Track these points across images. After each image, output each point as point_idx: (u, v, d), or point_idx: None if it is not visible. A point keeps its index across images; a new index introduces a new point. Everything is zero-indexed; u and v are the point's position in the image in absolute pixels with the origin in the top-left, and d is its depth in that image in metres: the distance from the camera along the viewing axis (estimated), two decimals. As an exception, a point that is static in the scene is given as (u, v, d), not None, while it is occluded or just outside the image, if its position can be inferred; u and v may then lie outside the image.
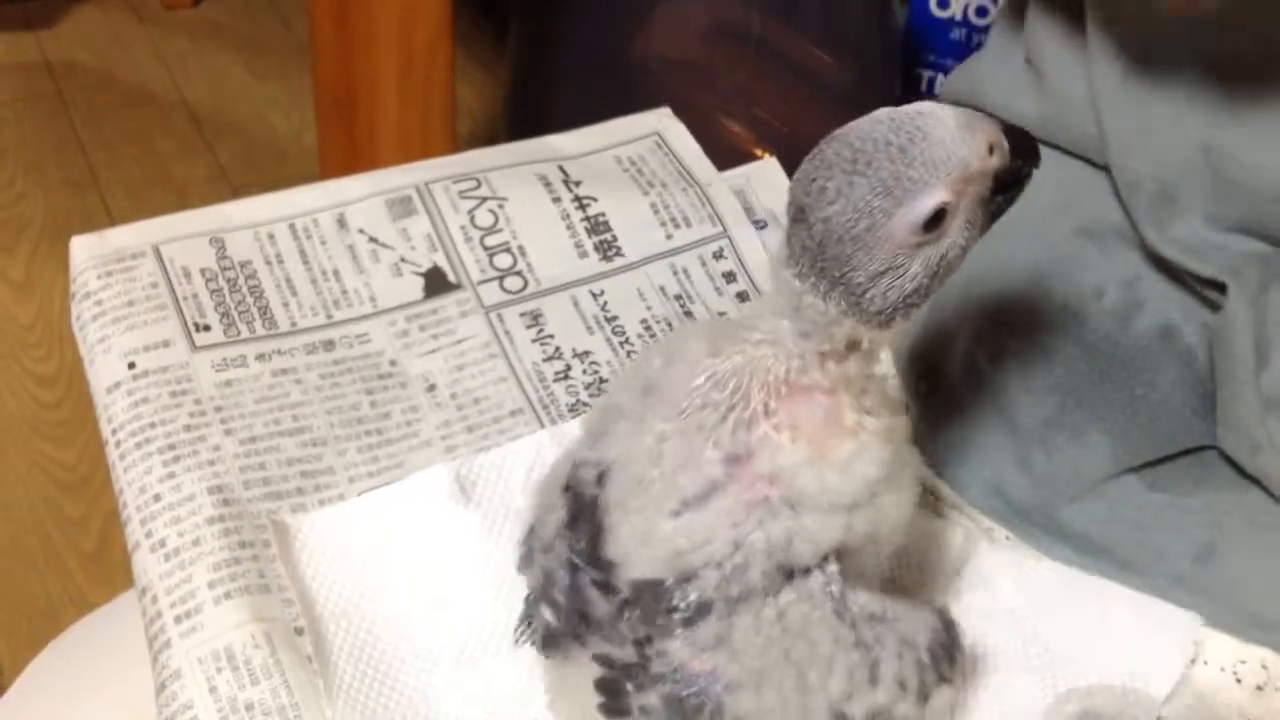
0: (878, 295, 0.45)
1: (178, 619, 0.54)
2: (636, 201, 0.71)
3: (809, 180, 0.44)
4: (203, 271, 0.65)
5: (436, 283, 0.67)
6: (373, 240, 0.68)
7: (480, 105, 1.86)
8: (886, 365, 0.66)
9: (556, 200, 0.71)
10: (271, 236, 0.67)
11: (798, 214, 0.45)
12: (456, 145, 1.29)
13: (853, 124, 0.44)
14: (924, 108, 0.44)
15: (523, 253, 0.69)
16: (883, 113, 0.44)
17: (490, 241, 0.69)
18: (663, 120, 0.77)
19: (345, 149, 1.30)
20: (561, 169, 0.72)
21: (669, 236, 0.71)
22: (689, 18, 1.36)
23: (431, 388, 0.64)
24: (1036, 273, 0.61)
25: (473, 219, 0.69)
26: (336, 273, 0.67)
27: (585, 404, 0.64)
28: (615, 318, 0.67)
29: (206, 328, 0.63)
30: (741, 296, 0.69)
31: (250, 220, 0.68)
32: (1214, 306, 0.56)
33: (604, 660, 0.48)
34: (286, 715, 0.52)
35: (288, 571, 0.56)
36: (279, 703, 0.52)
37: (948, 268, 0.46)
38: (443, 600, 0.56)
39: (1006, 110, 0.63)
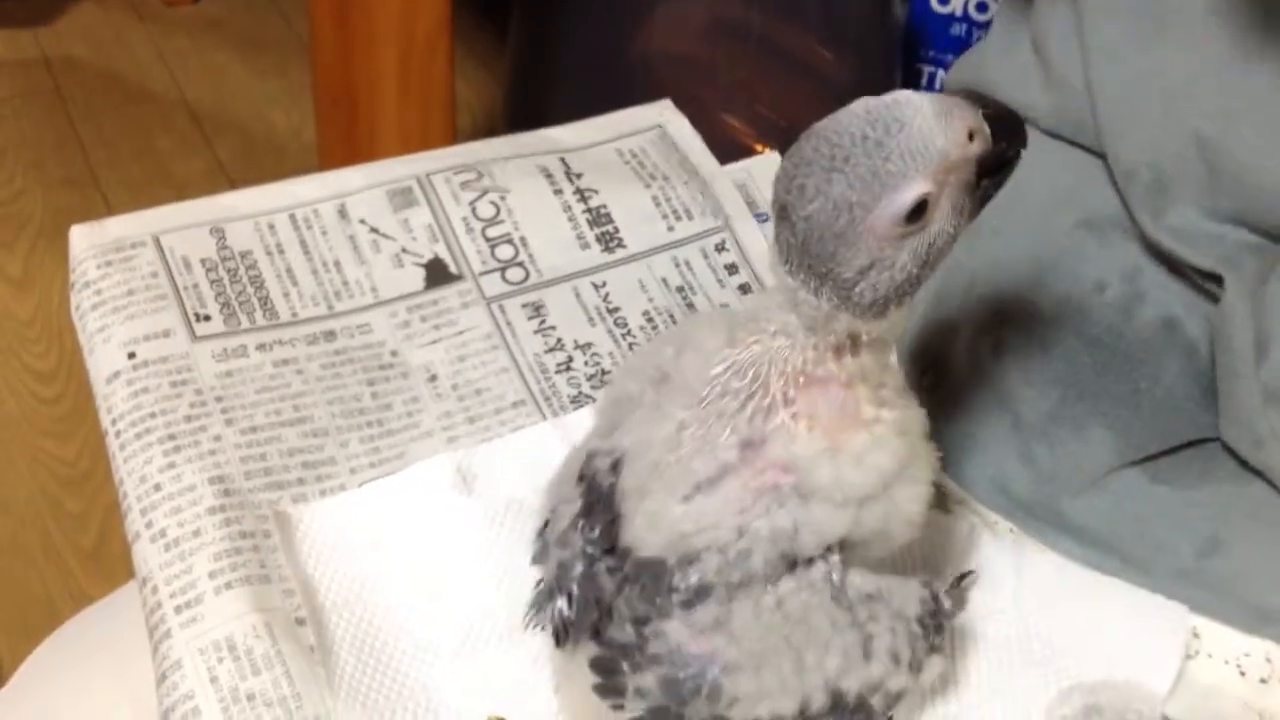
0: (867, 289, 0.45)
1: (178, 609, 0.54)
2: (638, 194, 0.71)
3: (789, 178, 0.44)
4: (203, 261, 0.65)
5: (438, 274, 0.67)
6: (374, 231, 0.68)
7: (480, 103, 1.85)
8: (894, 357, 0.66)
9: (558, 192, 0.71)
10: (272, 227, 0.67)
11: (781, 212, 0.44)
12: (456, 143, 1.29)
13: (830, 118, 0.44)
14: (900, 96, 0.43)
15: (524, 244, 0.69)
16: (859, 104, 0.44)
17: (492, 233, 0.69)
18: (664, 113, 0.76)
19: (345, 146, 1.30)
20: (563, 161, 0.72)
21: (671, 229, 0.70)
22: (689, 14, 1.36)
23: (433, 378, 0.63)
24: (1038, 267, 0.60)
25: (474, 210, 0.69)
26: (337, 263, 0.67)
27: (587, 395, 0.64)
28: (617, 309, 0.67)
29: (207, 318, 0.63)
30: (744, 289, 0.69)
31: (251, 210, 0.67)
32: (1215, 299, 0.56)
33: (603, 640, 0.48)
34: (288, 706, 0.51)
35: (289, 562, 0.56)
36: (280, 693, 0.52)
37: (937, 255, 0.45)
38: (444, 591, 0.56)
39: (1012, 98, 0.63)
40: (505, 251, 0.68)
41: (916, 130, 0.43)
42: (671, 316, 0.67)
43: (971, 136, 0.44)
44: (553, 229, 0.69)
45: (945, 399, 0.62)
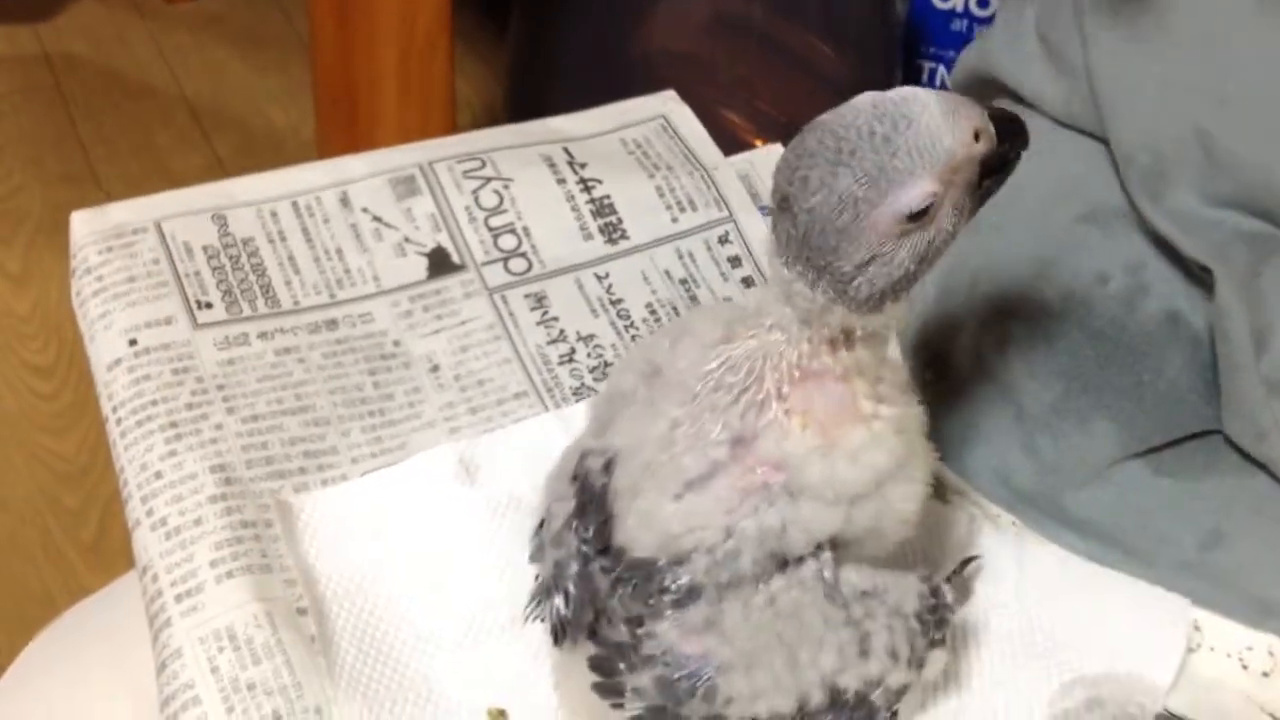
0: (864, 283, 0.44)
1: (178, 598, 0.53)
2: (642, 184, 0.71)
3: (792, 170, 0.44)
4: (205, 248, 0.65)
5: (440, 263, 0.67)
6: (376, 219, 0.68)
7: (480, 100, 1.85)
8: (898, 352, 0.66)
9: (561, 182, 0.70)
10: (274, 214, 0.67)
11: (782, 203, 0.44)
12: (456, 139, 1.29)
13: (835, 111, 0.44)
14: (907, 93, 0.43)
15: (527, 234, 0.69)
16: (865, 98, 0.43)
17: (495, 222, 0.69)
18: (668, 103, 0.76)
19: (344, 143, 1.29)
20: (566, 151, 0.72)
21: (674, 220, 0.70)
22: (691, 11, 1.36)
23: (435, 369, 0.63)
24: (1042, 260, 0.60)
25: (477, 199, 0.69)
26: (339, 251, 0.66)
27: (589, 388, 0.64)
28: (620, 301, 0.67)
29: (208, 305, 0.63)
30: (747, 281, 0.69)
31: (253, 197, 0.67)
32: (1214, 291, 0.56)
33: (599, 640, 0.48)
34: (288, 695, 0.51)
35: (290, 551, 0.56)
36: (280, 683, 0.51)
37: (935, 252, 0.45)
38: (445, 582, 0.56)
39: (1018, 86, 0.63)
40: (508, 241, 0.68)
41: (924, 128, 0.43)
42: (674, 309, 0.67)
43: (977, 136, 0.44)
44: (556, 219, 0.69)
45: (948, 393, 0.62)
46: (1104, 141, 0.59)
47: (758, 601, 0.46)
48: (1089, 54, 0.58)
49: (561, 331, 0.66)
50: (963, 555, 0.57)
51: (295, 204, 0.67)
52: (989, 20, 1.45)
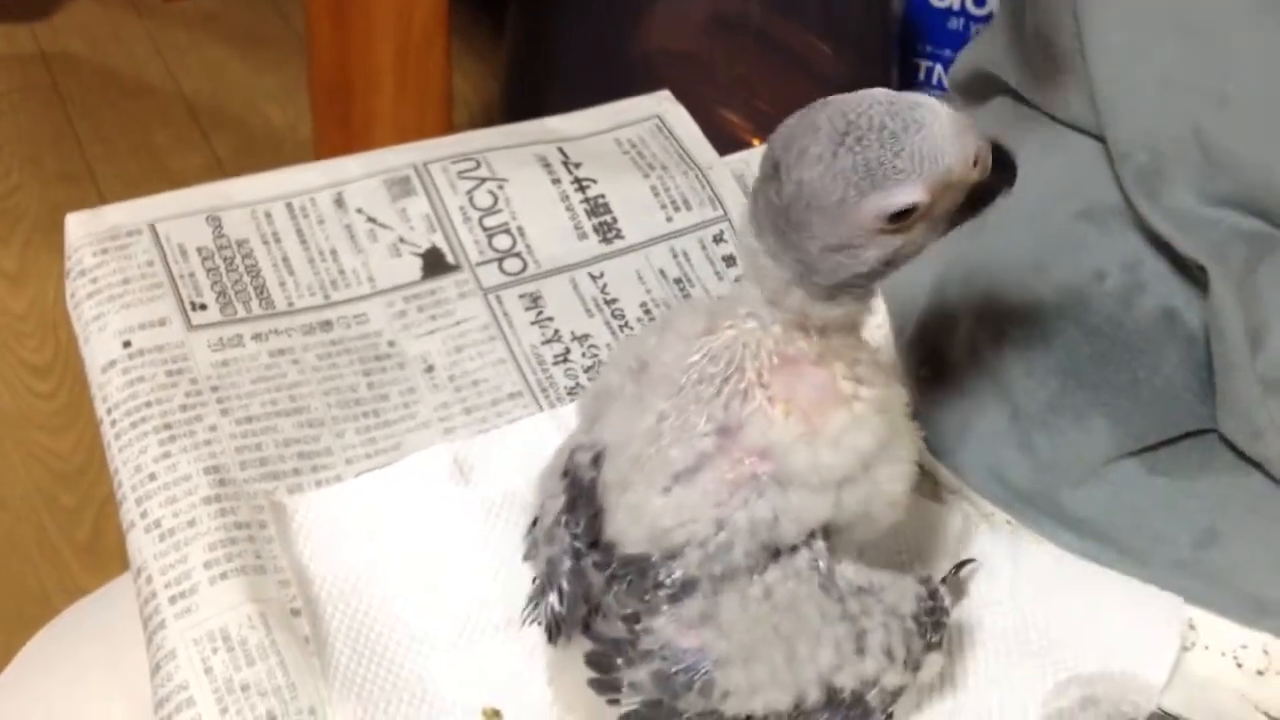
0: (826, 269, 0.44)
1: (172, 599, 0.53)
2: (636, 184, 0.71)
3: (791, 138, 0.43)
4: (199, 250, 0.65)
5: (435, 263, 0.67)
6: (371, 220, 0.68)
7: (477, 98, 1.85)
8: (882, 340, 0.66)
9: (556, 182, 0.70)
10: (269, 215, 0.67)
11: (771, 170, 0.44)
12: (453, 136, 1.29)
13: (849, 95, 0.44)
14: (923, 100, 0.43)
15: (522, 234, 0.68)
16: (881, 93, 0.43)
17: (489, 222, 0.69)
18: (663, 103, 0.76)
19: (341, 141, 1.29)
20: (561, 150, 0.72)
21: (669, 219, 0.70)
22: (689, 10, 1.36)
23: (430, 369, 0.63)
24: (1038, 256, 0.60)
25: (472, 199, 0.69)
26: (334, 252, 0.66)
27: (584, 387, 0.64)
28: (615, 300, 0.67)
29: (203, 307, 0.63)
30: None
31: (247, 199, 0.67)
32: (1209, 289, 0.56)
33: (595, 636, 0.48)
34: (282, 696, 0.51)
35: (285, 552, 0.55)
36: (275, 684, 0.51)
37: (899, 261, 0.45)
38: (440, 582, 0.56)
39: (1018, 83, 0.63)
40: (503, 241, 0.68)
41: (932, 137, 0.43)
42: (669, 308, 0.67)
43: (976, 162, 0.44)
44: (551, 219, 0.69)
45: (943, 389, 0.62)
46: (1101, 139, 0.59)
47: (754, 594, 0.46)
48: (1087, 53, 0.58)
49: (556, 332, 0.66)
50: (958, 554, 0.57)
51: (290, 205, 0.67)
52: (986, 19, 1.45)
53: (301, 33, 1.52)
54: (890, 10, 1.38)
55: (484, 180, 0.70)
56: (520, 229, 0.69)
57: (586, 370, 0.64)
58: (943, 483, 0.61)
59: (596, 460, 0.49)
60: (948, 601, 0.50)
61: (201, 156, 1.77)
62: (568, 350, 0.65)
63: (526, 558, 0.52)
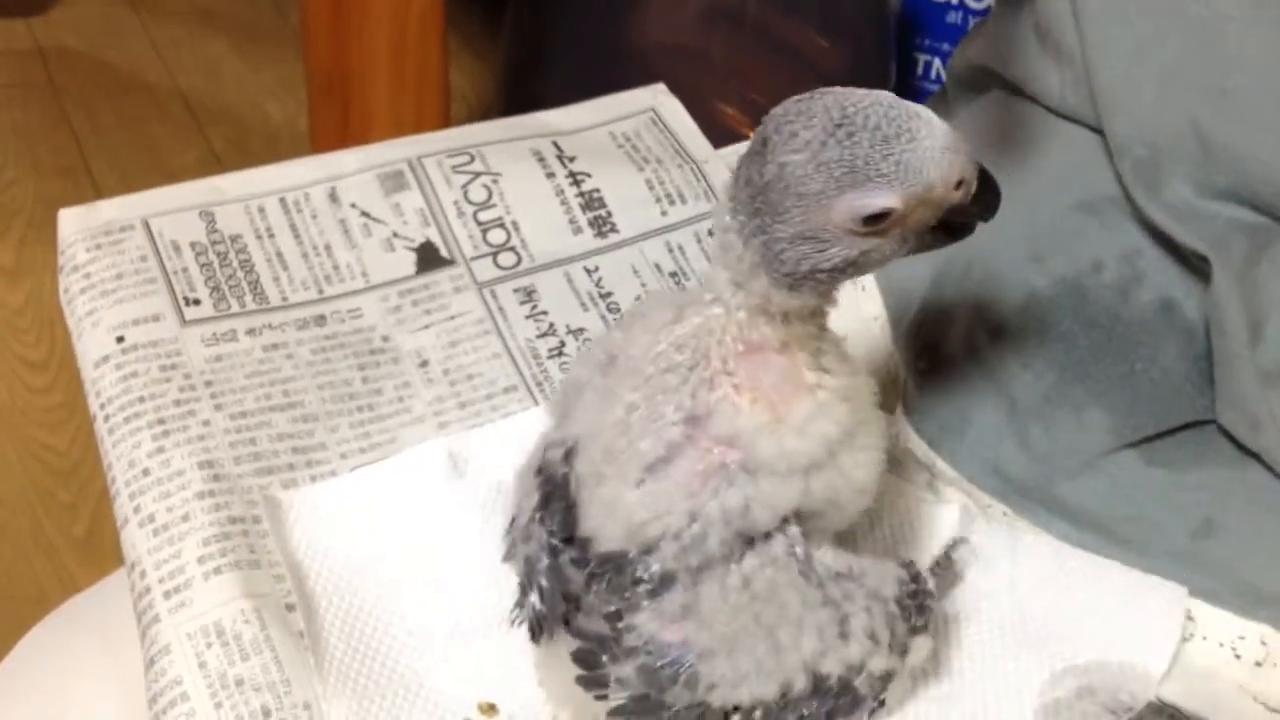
0: (791, 257, 0.44)
1: (166, 594, 0.53)
2: (631, 177, 0.71)
3: (784, 120, 0.43)
4: (192, 245, 0.65)
5: (429, 258, 0.67)
6: (365, 215, 0.67)
7: (475, 92, 1.85)
8: (879, 331, 0.66)
9: (550, 176, 0.70)
10: (262, 210, 0.67)
11: (759, 146, 0.44)
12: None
13: (853, 90, 0.44)
14: (923, 112, 0.43)
15: (516, 228, 0.68)
16: (885, 96, 0.43)
17: (484, 217, 0.68)
18: (658, 96, 0.76)
19: (338, 134, 1.29)
20: (555, 144, 0.72)
21: (664, 213, 0.70)
22: (685, 3, 1.35)
23: (424, 364, 0.63)
24: (1036, 248, 0.60)
25: (466, 194, 0.69)
26: (328, 247, 0.66)
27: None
28: (609, 294, 0.67)
29: (196, 302, 0.63)
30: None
31: (241, 194, 0.67)
32: (1210, 280, 0.56)
33: (579, 633, 0.48)
34: (277, 691, 0.51)
35: (279, 547, 0.55)
36: (269, 679, 0.51)
37: (863, 265, 0.45)
38: (435, 577, 0.56)
39: (1018, 75, 0.63)
40: (497, 236, 0.68)
41: (922, 149, 0.43)
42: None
43: (959, 185, 0.44)
44: (545, 213, 0.69)
45: (941, 381, 0.62)
46: (1099, 132, 0.59)
47: (732, 583, 0.47)
48: (1086, 47, 0.58)
49: (551, 325, 0.65)
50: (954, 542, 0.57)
51: (283, 200, 0.67)
52: (984, 13, 1.45)
53: (298, 27, 1.51)
54: (887, 4, 1.37)
55: (478, 174, 0.70)
56: (515, 223, 0.68)
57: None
58: (940, 475, 0.61)
59: (568, 455, 0.49)
60: (931, 584, 0.50)
61: (198, 151, 1.77)
62: (563, 344, 0.65)
63: (506, 558, 0.52)
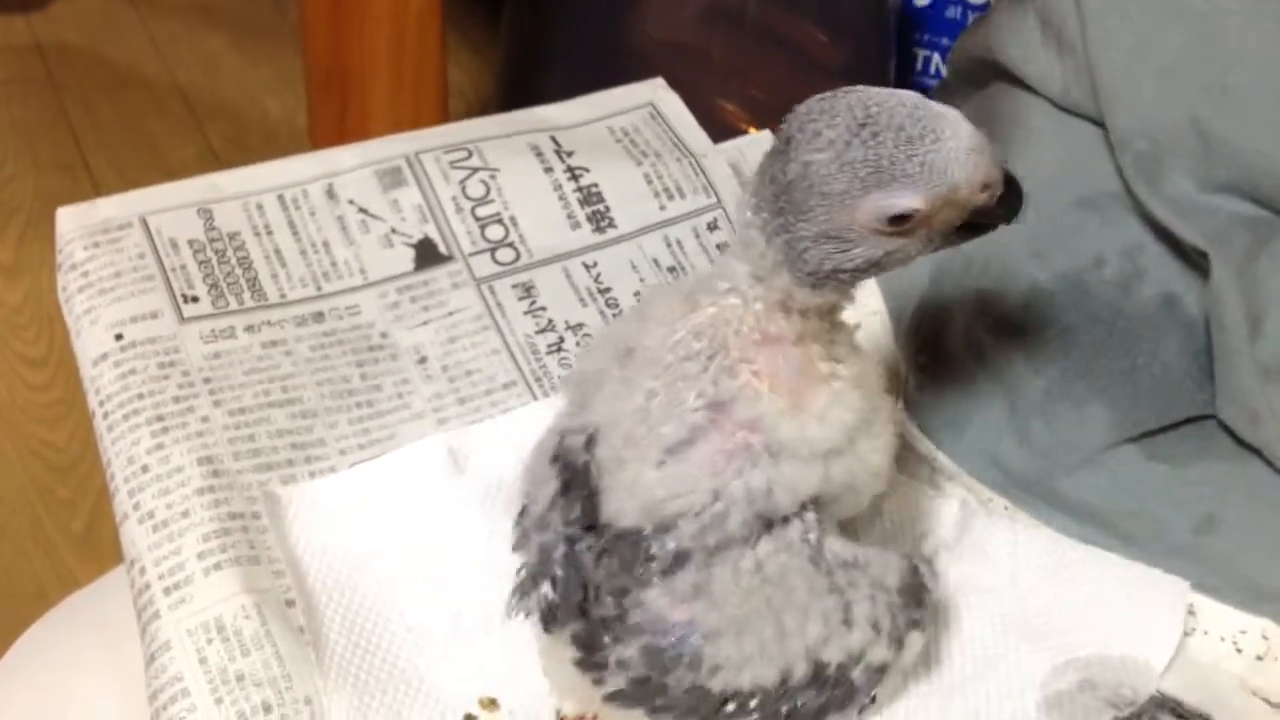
0: (814, 256, 0.45)
1: (166, 590, 0.53)
2: (629, 172, 0.71)
3: (808, 119, 0.44)
4: (190, 242, 0.64)
5: (427, 254, 0.67)
6: (363, 211, 0.67)
7: (473, 88, 1.85)
8: (879, 327, 0.66)
9: (549, 171, 0.70)
10: (260, 207, 0.67)
11: (784, 144, 0.44)
12: (449, 125, 1.29)
13: (877, 90, 0.44)
14: (950, 114, 0.44)
15: (514, 224, 0.68)
16: (910, 96, 0.44)
17: (482, 212, 0.68)
18: (656, 91, 0.76)
19: (337, 130, 1.29)
20: (554, 139, 0.72)
21: (662, 208, 0.70)
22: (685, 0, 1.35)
23: (423, 360, 0.63)
24: (1037, 243, 0.60)
25: (464, 190, 0.69)
26: (326, 244, 0.66)
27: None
28: (608, 289, 0.67)
29: (195, 299, 0.63)
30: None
31: (239, 191, 0.67)
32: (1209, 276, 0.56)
33: (582, 613, 0.48)
34: (278, 686, 0.51)
35: (279, 543, 0.55)
36: (270, 674, 0.51)
37: (886, 264, 0.45)
38: (436, 573, 0.56)
39: (1022, 69, 0.63)
40: (495, 231, 0.68)
41: (948, 151, 0.43)
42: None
43: (985, 188, 0.44)
44: (543, 208, 0.69)
45: (942, 376, 0.62)
46: (1102, 126, 0.59)
47: (746, 566, 0.47)
48: (1088, 40, 0.58)
49: (550, 321, 0.65)
50: (955, 540, 0.57)
51: (281, 197, 0.67)
52: (983, 8, 1.45)
53: (297, 23, 1.51)
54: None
55: (476, 170, 0.69)
56: (513, 219, 0.68)
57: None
58: (941, 469, 0.61)
59: (589, 443, 0.49)
60: (930, 579, 0.51)
61: (197, 147, 1.77)
62: (561, 340, 0.65)
63: (516, 548, 0.52)
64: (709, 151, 0.73)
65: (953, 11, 1.47)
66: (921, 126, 0.43)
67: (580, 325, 0.65)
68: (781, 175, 0.44)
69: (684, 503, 0.46)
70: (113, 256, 0.63)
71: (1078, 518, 0.58)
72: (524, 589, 0.51)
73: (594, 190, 0.70)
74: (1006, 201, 0.46)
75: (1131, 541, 0.57)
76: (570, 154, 0.71)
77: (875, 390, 0.50)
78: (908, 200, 0.43)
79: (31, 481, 1.34)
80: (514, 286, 0.66)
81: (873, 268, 0.45)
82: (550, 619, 0.50)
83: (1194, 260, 0.56)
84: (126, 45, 1.95)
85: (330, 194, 0.68)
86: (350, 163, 0.69)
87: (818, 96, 0.44)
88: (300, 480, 0.58)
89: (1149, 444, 0.57)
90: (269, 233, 0.66)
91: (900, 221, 0.44)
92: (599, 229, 0.69)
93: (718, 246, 0.69)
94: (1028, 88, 0.63)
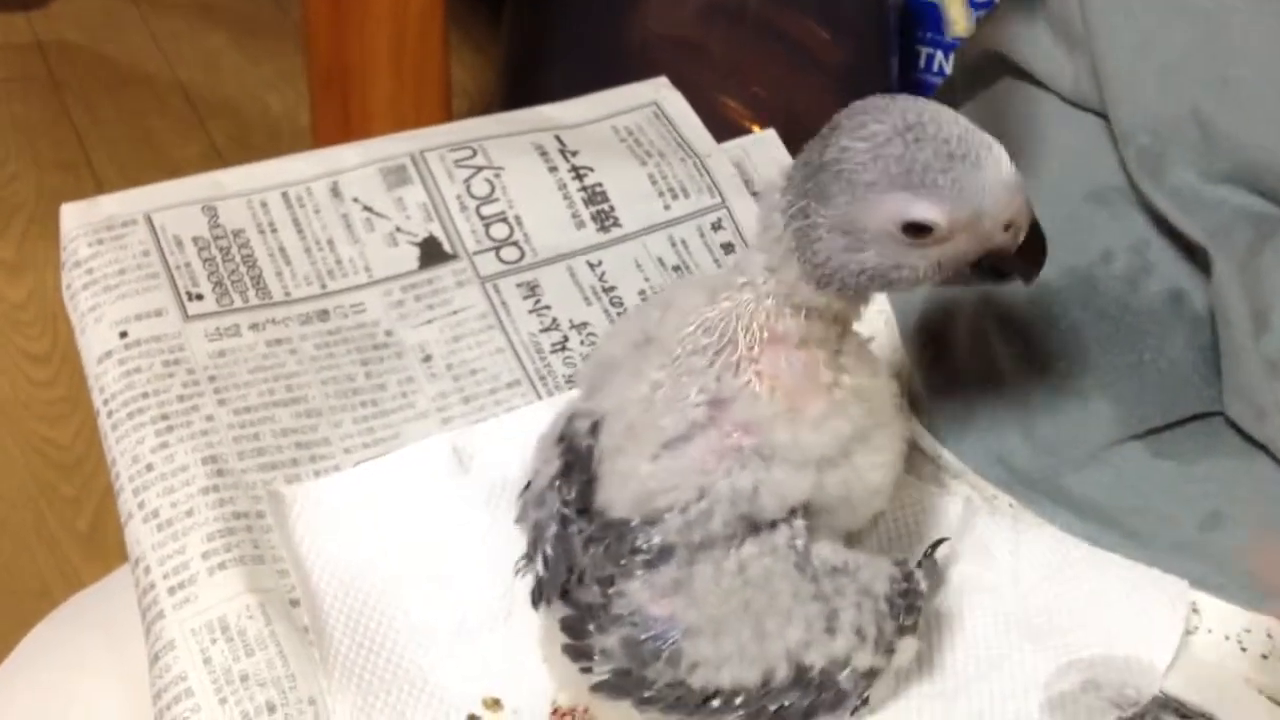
0: (824, 248, 0.45)
1: (171, 590, 0.53)
2: (634, 172, 0.71)
3: (859, 112, 0.44)
4: (195, 240, 0.64)
5: (432, 252, 0.67)
6: (367, 209, 0.67)
7: (476, 87, 1.85)
8: (883, 325, 0.66)
9: (553, 170, 0.70)
10: (264, 205, 0.67)
11: (827, 130, 0.44)
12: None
13: (936, 104, 0.44)
14: (995, 145, 0.44)
15: (519, 223, 0.68)
16: (965, 120, 0.44)
17: (486, 211, 0.68)
18: (660, 90, 0.76)
19: (339, 128, 1.29)
20: (558, 138, 0.72)
21: (667, 207, 0.70)
22: (685, -3, 1.35)
23: (427, 358, 0.63)
24: (1046, 238, 0.60)
25: (469, 188, 0.69)
26: (331, 242, 0.66)
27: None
28: (613, 288, 0.67)
29: (199, 297, 0.63)
30: (740, 267, 0.69)
31: (243, 188, 0.67)
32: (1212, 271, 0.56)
33: (571, 601, 0.48)
34: (282, 686, 0.51)
35: (283, 542, 0.55)
36: (274, 674, 0.51)
37: (893, 281, 0.45)
38: (440, 573, 0.56)
39: (1033, 64, 0.63)
40: (500, 230, 0.68)
41: (981, 180, 0.43)
42: (673, 283, 0.67)
43: (1008, 228, 0.44)
44: (548, 207, 0.69)
45: (947, 372, 0.62)
46: (1107, 120, 0.59)
47: (729, 567, 0.47)
48: (1091, 34, 0.58)
49: (554, 320, 0.65)
50: (958, 539, 0.57)
51: (286, 194, 0.67)
52: (987, 5, 1.44)
53: (298, 21, 1.51)
54: (888, -5, 1.37)
55: (481, 169, 0.69)
56: (517, 217, 0.68)
57: (585, 358, 0.64)
58: (945, 466, 0.61)
59: (594, 429, 0.49)
60: (923, 585, 0.51)
61: (199, 145, 1.77)
62: (566, 339, 0.65)
63: (518, 520, 0.52)
64: (713, 151, 0.73)
65: (955, 9, 1.47)
66: (965, 147, 0.43)
67: (585, 324, 0.65)
68: (817, 157, 0.44)
69: (672, 497, 0.47)
70: (117, 253, 0.63)
71: (1082, 515, 0.58)
72: (528, 558, 0.52)
73: (598, 190, 0.70)
74: (1028, 253, 0.46)
75: (1136, 538, 0.57)
76: (575, 153, 0.71)
77: (883, 407, 0.49)
78: (929, 211, 0.43)
79: (35, 479, 1.35)
80: (518, 285, 0.66)
81: (879, 278, 0.45)
82: (537, 595, 0.50)
83: (1200, 255, 0.56)
84: (128, 43, 1.95)
85: (335, 192, 0.68)
86: (355, 161, 0.69)
87: (879, 95, 0.44)
88: (305, 479, 0.58)
89: (1155, 441, 0.57)
90: (273, 230, 0.66)
91: (916, 232, 0.43)
92: (603, 228, 0.69)
93: (722, 246, 0.69)
94: (1037, 83, 0.63)
